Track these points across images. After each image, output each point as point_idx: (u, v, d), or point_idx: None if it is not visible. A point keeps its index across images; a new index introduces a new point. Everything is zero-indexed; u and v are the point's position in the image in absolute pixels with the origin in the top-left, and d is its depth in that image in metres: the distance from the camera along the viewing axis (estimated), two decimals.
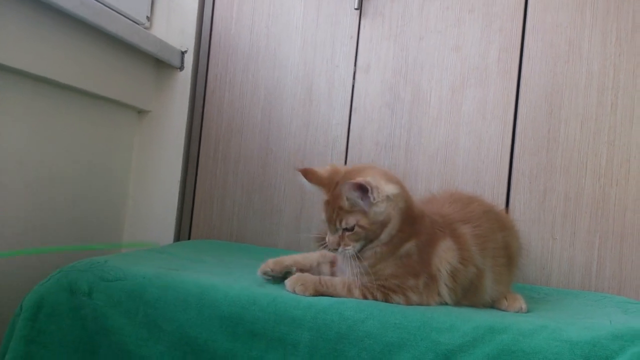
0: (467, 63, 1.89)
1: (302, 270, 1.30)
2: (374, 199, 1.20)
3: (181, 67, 2.04)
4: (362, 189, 1.19)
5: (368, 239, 1.22)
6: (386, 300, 1.23)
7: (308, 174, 1.27)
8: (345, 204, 1.21)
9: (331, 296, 1.23)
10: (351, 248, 1.22)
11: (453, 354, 1.09)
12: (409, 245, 1.24)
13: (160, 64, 2.04)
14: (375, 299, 1.23)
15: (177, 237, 2.03)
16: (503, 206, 1.81)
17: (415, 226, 1.24)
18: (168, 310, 1.20)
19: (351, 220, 1.21)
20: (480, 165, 1.87)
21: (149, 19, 2.06)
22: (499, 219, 1.40)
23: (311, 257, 1.35)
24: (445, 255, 1.25)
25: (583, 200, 1.80)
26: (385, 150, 1.92)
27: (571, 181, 1.81)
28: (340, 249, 1.23)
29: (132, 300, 1.22)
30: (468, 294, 1.29)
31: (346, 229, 1.22)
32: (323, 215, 1.25)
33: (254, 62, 2.04)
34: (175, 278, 1.26)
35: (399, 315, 1.14)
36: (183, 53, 2.05)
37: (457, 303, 1.28)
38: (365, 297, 1.23)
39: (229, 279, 1.32)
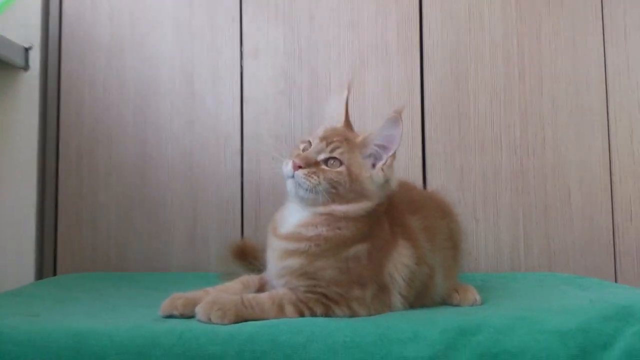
0: (366, 40, 1.71)
1: None
2: (385, 164, 1.01)
3: (26, 67, 1.65)
4: (390, 144, 1.00)
5: (333, 195, 0.98)
6: (327, 315, 0.98)
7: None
8: (358, 144, 1.01)
9: (258, 319, 0.95)
10: (315, 182, 0.97)
11: None
12: (360, 248, 1.00)
13: None
14: (313, 314, 0.97)
15: (39, 276, 1.63)
16: None
17: (374, 226, 1.02)
18: None
19: (345, 157, 0.99)
20: None
21: None
22: (440, 205, 1.21)
23: (232, 288, 1.07)
24: (401, 259, 1.03)
25: (502, 176, 1.68)
26: (286, 143, 1.67)
27: (487, 156, 1.68)
28: (305, 172, 0.98)
29: None
30: (419, 297, 1.07)
31: (329, 160, 0.99)
32: (315, 133, 1.04)
33: (118, 55, 1.70)
34: (38, 327, 0.92)
35: (348, 331, 0.89)
36: (27, 50, 1.66)
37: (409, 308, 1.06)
38: (301, 314, 0.97)
39: (111, 318, 1.00)
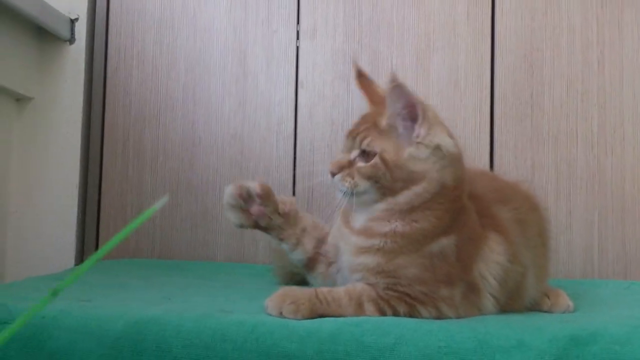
0: (432, 22, 1.59)
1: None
2: (419, 135, 0.86)
3: (71, 40, 1.57)
4: (412, 113, 0.85)
5: (382, 190, 0.87)
6: (411, 315, 0.87)
7: (362, 76, 0.99)
8: (384, 126, 0.87)
9: (334, 316, 0.84)
10: (350, 184, 0.87)
11: None
12: (446, 242, 0.88)
13: (43, 36, 1.55)
14: (396, 313, 0.86)
15: (80, 261, 1.54)
16: None
17: (460, 217, 0.89)
18: None
19: (376, 145, 0.86)
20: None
21: None
22: (528, 197, 1.08)
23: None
24: (493, 257, 0.91)
25: (576, 174, 1.54)
26: (343, 130, 1.55)
27: (561, 152, 1.55)
28: (339, 176, 0.87)
29: (28, 354, 0.78)
30: (511, 299, 0.95)
31: (363, 154, 0.87)
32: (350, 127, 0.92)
33: (169, 30, 1.61)
34: (93, 313, 0.83)
35: (442, 335, 0.78)
36: (73, 21, 1.57)
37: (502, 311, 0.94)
38: (382, 313, 0.86)
39: (172, 306, 0.90)
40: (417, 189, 0.86)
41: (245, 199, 0.98)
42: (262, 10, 1.61)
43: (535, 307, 1.01)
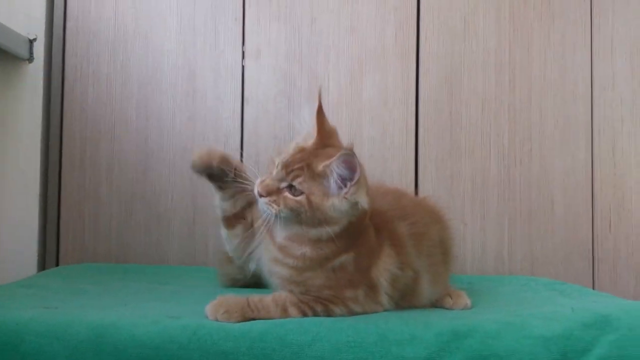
0: (365, 45, 1.76)
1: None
2: (348, 192, 1.00)
3: (30, 59, 1.68)
4: (350, 174, 0.99)
5: (299, 220, 1.02)
6: (327, 314, 1.05)
7: (320, 109, 1.10)
8: (319, 171, 1.00)
9: (264, 319, 1.01)
10: (276, 209, 1.00)
11: None
12: (345, 258, 1.06)
13: (2, 55, 1.65)
14: (315, 313, 1.04)
15: (42, 266, 1.67)
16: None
17: (358, 238, 1.07)
18: None
19: (305, 187, 1.00)
20: (386, 153, 1.75)
21: None
22: (431, 212, 1.28)
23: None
24: (385, 266, 1.10)
25: (489, 183, 1.75)
26: (284, 144, 1.72)
27: (476, 164, 1.76)
28: (265, 200, 1.01)
29: (5, 355, 0.92)
30: (405, 297, 1.15)
31: (293, 191, 1.01)
32: (280, 157, 1.04)
33: (122, 49, 1.74)
34: (58, 320, 0.97)
35: (351, 331, 0.96)
36: (32, 41, 1.68)
37: (396, 307, 1.13)
38: (304, 314, 1.04)
39: (127, 312, 1.05)
40: (328, 229, 1.02)
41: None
42: (209, 33, 1.75)
43: (439, 305, 1.21)
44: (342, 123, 1.75)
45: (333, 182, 1.00)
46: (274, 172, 1.03)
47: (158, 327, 0.96)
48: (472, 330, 0.97)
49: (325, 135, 1.08)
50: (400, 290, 1.12)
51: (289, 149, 1.06)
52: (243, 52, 1.76)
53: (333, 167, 0.99)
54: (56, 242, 1.69)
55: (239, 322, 0.99)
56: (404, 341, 0.95)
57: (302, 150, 1.04)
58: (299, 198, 1.00)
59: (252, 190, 1.05)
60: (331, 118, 1.72)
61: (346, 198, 1.00)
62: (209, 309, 1.02)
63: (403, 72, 1.76)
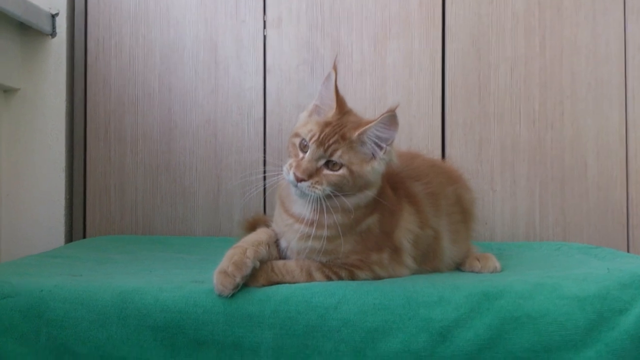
0: (388, 11, 1.72)
1: (261, 261, 1.02)
2: (385, 153, 1.00)
3: (53, 33, 1.68)
4: (389, 134, 0.99)
5: (339, 192, 0.99)
6: (352, 278, 1.03)
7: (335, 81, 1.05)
8: (355, 139, 0.98)
9: (289, 284, 1.00)
10: (320, 189, 0.97)
11: (449, 330, 0.92)
12: (371, 220, 1.04)
13: (26, 31, 1.66)
14: (340, 278, 1.03)
15: (69, 239, 1.69)
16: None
17: (380, 198, 1.05)
18: (80, 328, 0.93)
19: (345, 158, 0.98)
20: (411, 120, 1.71)
21: None
22: (446, 172, 1.25)
23: (261, 237, 1.07)
24: (407, 225, 1.08)
25: (520, 147, 1.71)
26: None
27: (506, 128, 1.71)
28: (308, 184, 0.97)
29: (29, 322, 0.94)
30: (427, 259, 1.13)
31: (331, 166, 0.98)
32: (308, 135, 0.99)
33: (144, 22, 1.73)
34: (83, 286, 0.98)
35: (377, 294, 0.95)
36: (54, 16, 1.68)
37: (420, 270, 1.11)
38: (329, 279, 1.02)
39: (152, 279, 1.05)
40: (367, 193, 1.01)
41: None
42: (230, 3, 1.72)
43: (466, 269, 1.18)
44: (365, 90, 1.72)
45: (370, 146, 0.99)
46: (309, 152, 0.99)
47: (183, 291, 0.95)
48: (503, 292, 0.95)
49: (342, 104, 1.05)
50: (422, 250, 1.10)
51: (306, 126, 1.02)
52: (264, 22, 1.73)
53: (373, 130, 0.98)
54: (83, 214, 1.71)
55: (263, 286, 0.98)
56: (432, 303, 0.93)
57: (327, 124, 1.01)
58: (340, 172, 0.98)
59: (282, 176, 1.01)
60: (355, 85, 1.71)
61: (383, 158, 1.00)
62: None
63: (428, 37, 1.71)
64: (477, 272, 1.17)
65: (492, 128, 1.70)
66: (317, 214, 0.99)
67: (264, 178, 1.64)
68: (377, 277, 1.04)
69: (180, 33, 1.73)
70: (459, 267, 1.20)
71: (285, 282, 1.00)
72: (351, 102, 1.68)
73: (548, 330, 0.91)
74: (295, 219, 1.04)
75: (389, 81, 1.72)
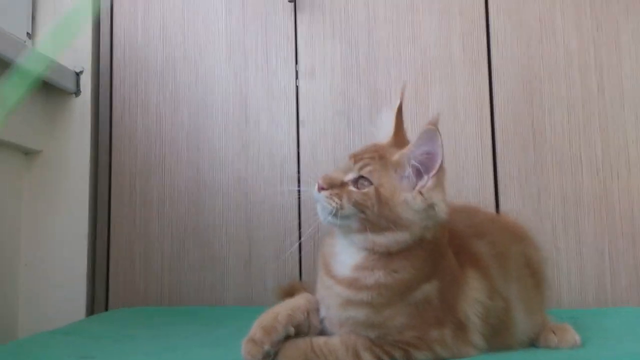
0: (429, 55, 1.60)
1: (297, 327, 0.88)
2: (424, 186, 0.85)
3: (77, 92, 1.61)
4: (430, 162, 0.85)
5: (364, 221, 0.84)
6: (408, 359, 0.86)
7: (399, 110, 0.95)
8: (391, 163, 0.86)
9: None
10: (337, 204, 0.84)
11: None
12: (429, 288, 0.87)
13: (49, 89, 1.59)
14: (393, 359, 0.85)
15: (91, 311, 1.56)
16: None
17: (438, 262, 0.89)
18: None
19: (376, 178, 0.85)
20: (459, 171, 1.56)
21: (30, 35, 1.62)
22: (510, 228, 1.07)
23: (298, 302, 0.92)
24: (474, 295, 0.90)
25: (583, 200, 1.53)
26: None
27: (566, 178, 1.54)
28: (326, 193, 0.84)
29: None
30: (497, 335, 0.94)
31: (358, 181, 0.85)
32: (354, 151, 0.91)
33: (172, 78, 1.65)
34: None
35: None
36: (78, 74, 1.62)
37: (489, 349, 0.93)
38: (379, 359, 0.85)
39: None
40: (398, 235, 0.84)
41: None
42: (260, 55, 1.64)
43: (540, 344, 1.00)
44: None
45: (408, 174, 0.85)
46: (341, 164, 0.89)
47: None
48: None
49: (402, 136, 0.94)
50: (491, 325, 0.92)
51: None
52: (296, 72, 1.63)
53: (412, 152, 0.85)
54: (105, 284, 1.58)
55: None
56: None
57: (375, 145, 0.92)
58: (365, 190, 0.84)
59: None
60: None
61: (422, 193, 0.84)
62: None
63: (474, 81, 1.58)
64: (553, 348, 0.98)
65: (551, 178, 1.54)
66: (356, 270, 0.86)
67: (299, 237, 1.52)
68: (438, 358, 0.87)
69: (209, 87, 1.64)
70: (532, 342, 1.01)
71: None
72: None
73: None
74: (335, 279, 0.89)
75: None
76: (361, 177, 0.86)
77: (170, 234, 1.59)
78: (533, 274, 1.04)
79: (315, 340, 0.87)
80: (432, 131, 0.85)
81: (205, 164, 1.62)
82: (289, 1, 1.62)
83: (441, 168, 0.86)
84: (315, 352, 0.85)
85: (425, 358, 0.86)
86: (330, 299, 0.89)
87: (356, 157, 0.88)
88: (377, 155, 0.87)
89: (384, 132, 0.95)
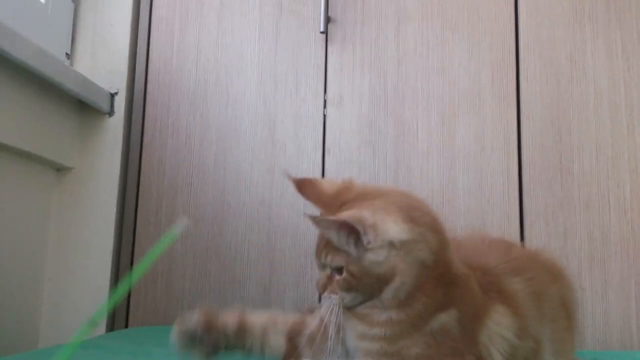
0: (457, 87, 1.61)
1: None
2: (369, 242, 0.81)
3: (111, 112, 1.66)
4: (352, 230, 0.81)
5: (365, 294, 0.84)
6: None
7: (304, 185, 0.90)
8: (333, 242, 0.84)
9: None
10: (337, 298, 0.84)
11: None
12: (446, 318, 0.85)
13: (84, 109, 1.64)
14: None
15: (111, 327, 1.58)
16: None
17: (455, 290, 0.86)
18: None
19: (337, 260, 0.83)
20: (485, 206, 1.55)
21: (69, 56, 1.68)
22: (549, 267, 1.05)
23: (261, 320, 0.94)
24: (497, 329, 0.87)
25: (610, 240, 1.50)
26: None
27: (594, 218, 1.51)
28: (326, 294, 0.85)
29: None
30: None
31: (336, 270, 0.84)
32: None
33: (202, 101, 1.68)
34: None
35: None
36: (113, 95, 1.67)
37: None
38: None
39: None
40: (394, 285, 0.83)
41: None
42: (290, 82, 1.66)
43: None
44: (432, 172, 1.58)
45: (347, 246, 0.81)
46: (317, 267, 0.88)
47: None
48: None
49: (331, 201, 0.88)
50: None
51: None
52: (325, 101, 1.65)
53: (332, 239, 0.81)
54: (127, 301, 1.59)
55: None
56: None
57: (321, 233, 0.87)
58: (343, 275, 0.83)
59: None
60: (420, 168, 1.58)
61: (373, 247, 0.81)
62: None
63: (502, 115, 1.58)
64: None
65: (578, 217, 1.52)
66: (368, 308, 0.84)
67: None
68: None
69: (239, 112, 1.67)
70: None
71: None
72: (417, 185, 1.56)
73: None
74: (353, 313, 0.88)
75: (458, 162, 1.58)
76: (332, 268, 0.84)
77: (193, 254, 1.61)
78: (567, 316, 1.02)
79: None
80: (318, 223, 0.81)
81: (231, 186, 1.64)
82: (321, 32, 1.64)
83: (360, 221, 0.80)
84: None
85: None
86: (351, 331, 0.87)
87: (318, 255, 0.85)
88: (325, 240, 0.84)
89: None
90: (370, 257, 0.82)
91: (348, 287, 0.84)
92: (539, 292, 0.95)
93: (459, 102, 1.60)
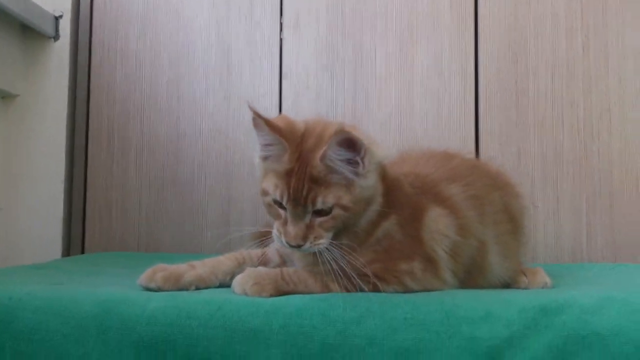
0: (415, 11, 1.59)
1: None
2: (364, 166, 0.83)
3: (56, 36, 1.58)
4: (354, 149, 0.81)
5: (346, 225, 0.85)
6: (376, 292, 0.85)
7: (266, 121, 0.85)
8: (322, 172, 0.82)
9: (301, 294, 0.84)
10: (325, 241, 0.83)
11: (499, 351, 0.74)
12: (388, 225, 0.88)
13: (28, 33, 1.56)
14: (361, 291, 0.85)
15: (67, 254, 1.55)
16: None
17: (391, 196, 0.89)
18: (52, 343, 0.78)
19: (330, 198, 0.82)
20: (442, 129, 1.56)
21: None
22: (492, 175, 1.08)
23: (225, 264, 0.95)
24: (437, 228, 0.90)
25: (563, 160, 1.53)
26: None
27: (547, 138, 1.54)
28: (307, 245, 0.83)
29: None
30: (472, 275, 0.95)
31: (320, 212, 0.83)
32: (277, 194, 0.84)
33: (152, 25, 1.62)
34: (60, 294, 0.82)
35: (409, 307, 0.78)
36: (57, 18, 1.59)
37: (461, 286, 0.93)
38: (348, 292, 0.85)
39: (143, 290, 0.89)
40: (373, 207, 0.86)
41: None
42: (244, 4, 1.61)
43: (511, 285, 1.00)
44: (390, 97, 1.57)
45: (342, 169, 0.82)
46: (289, 215, 0.84)
47: (176, 301, 0.80)
48: (565, 306, 0.77)
49: (291, 137, 0.85)
50: (464, 264, 0.93)
51: (270, 180, 0.85)
52: (281, 24, 1.61)
53: (332, 155, 0.81)
54: (82, 230, 1.56)
55: (271, 296, 0.82)
56: (478, 319, 0.76)
57: (289, 172, 0.83)
58: (333, 213, 0.83)
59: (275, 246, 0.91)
60: (378, 93, 1.57)
61: (368, 169, 0.83)
62: (236, 281, 0.86)
63: (460, 39, 1.57)
64: (523, 289, 0.99)
65: (532, 138, 1.54)
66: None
67: None
68: (408, 291, 0.87)
69: (191, 36, 1.61)
70: (506, 286, 1.01)
71: (297, 293, 0.84)
72: (375, 110, 1.55)
73: (623, 351, 0.72)
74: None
75: (416, 87, 1.57)
76: (317, 211, 0.83)
77: (148, 182, 1.58)
78: (511, 220, 1.04)
79: (284, 269, 0.87)
80: (342, 137, 0.80)
81: (185, 114, 1.60)
82: None
83: (363, 145, 0.82)
84: (285, 279, 0.85)
85: (394, 291, 0.86)
86: (300, 261, 0.90)
87: (297, 200, 0.82)
88: (310, 182, 0.82)
89: (270, 143, 0.86)
90: (363, 182, 0.84)
91: (336, 225, 0.84)
92: (479, 196, 0.98)
93: (417, 26, 1.58)
